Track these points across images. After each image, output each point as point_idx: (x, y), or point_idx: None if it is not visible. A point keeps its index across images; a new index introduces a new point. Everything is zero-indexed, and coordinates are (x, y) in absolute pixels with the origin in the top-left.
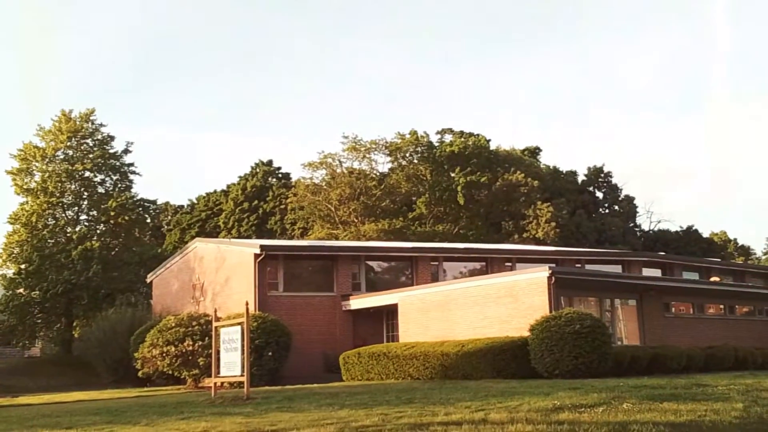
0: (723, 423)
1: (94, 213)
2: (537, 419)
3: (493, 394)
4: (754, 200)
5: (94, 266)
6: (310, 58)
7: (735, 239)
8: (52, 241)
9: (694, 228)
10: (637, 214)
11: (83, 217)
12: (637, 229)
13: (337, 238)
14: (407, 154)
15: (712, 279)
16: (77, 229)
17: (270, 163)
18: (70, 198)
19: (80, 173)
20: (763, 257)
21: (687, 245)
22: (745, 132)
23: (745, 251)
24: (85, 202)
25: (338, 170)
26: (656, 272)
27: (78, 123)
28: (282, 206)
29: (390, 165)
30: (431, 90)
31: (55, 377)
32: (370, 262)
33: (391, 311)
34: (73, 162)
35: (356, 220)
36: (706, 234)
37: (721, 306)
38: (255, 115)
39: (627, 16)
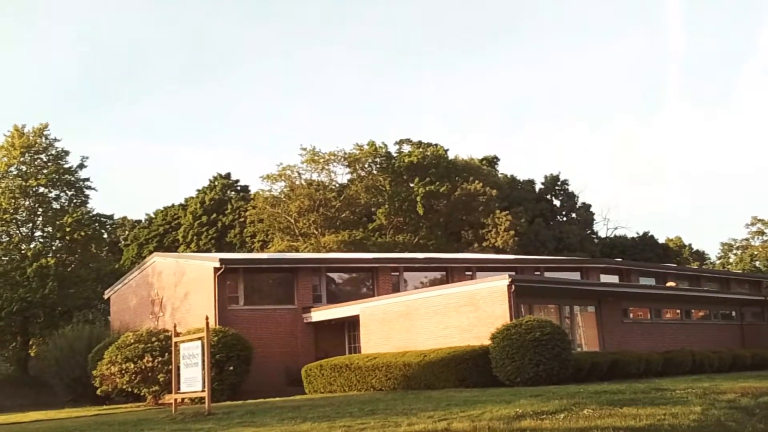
0: (682, 426)
1: (49, 229)
2: (499, 427)
3: (456, 403)
4: (708, 206)
5: (50, 283)
6: (267, 70)
7: (690, 245)
8: (6, 258)
9: (649, 234)
10: (594, 222)
11: (38, 233)
12: (594, 236)
13: (297, 251)
14: (366, 165)
15: (669, 284)
16: (32, 245)
17: (228, 176)
18: (24, 214)
19: (34, 189)
20: (718, 262)
21: (643, 251)
22: (700, 138)
23: (700, 256)
24: (40, 219)
25: (297, 182)
26: (614, 278)
27: (31, 138)
28: (241, 219)
29: (349, 176)
30: (389, 101)
31: (11, 397)
32: (330, 274)
33: (352, 323)
34: (26, 178)
35: (316, 232)
36: (661, 240)
37: (678, 311)
38: (212, 128)
39: (581, 25)
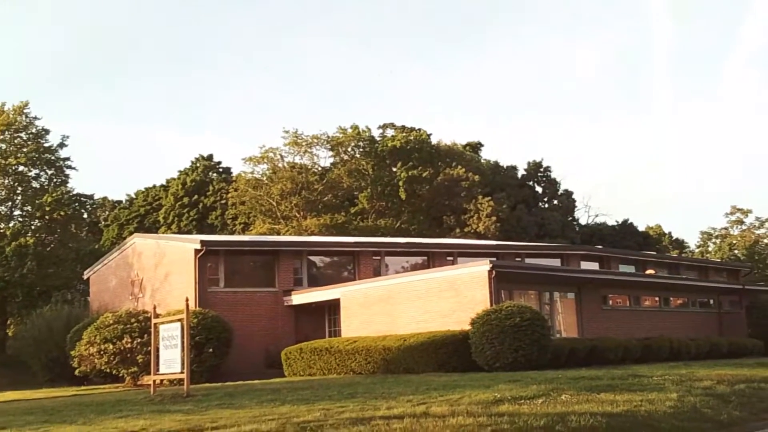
0: (658, 412)
1: (29, 208)
2: (478, 412)
3: (435, 387)
4: (687, 194)
5: (29, 263)
6: (251, 53)
7: (669, 232)
8: None
9: (629, 222)
10: (576, 209)
11: (17, 212)
12: (575, 223)
13: (278, 233)
14: (349, 149)
15: (648, 272)
16: (11, 224)
17: (210, 157)
18: (3, 193)
19: (14, 167)
20: (697, 250)
21: (623, 239)
22: (681, 127)
23: (680, 244)
24: (19, 198)
25: (280, 165)
26: (594, 265)
27: (11, 116)
28: (223, 201)
29: (332, 160)
30: (373, 85)
31: None
32: (312, 257)
33: (333, 306)
34: (6, 156)
35: (298, 215)
36: (641, 227)
37: (657, 298)
38: (195, 110)
39: (567, 14)
